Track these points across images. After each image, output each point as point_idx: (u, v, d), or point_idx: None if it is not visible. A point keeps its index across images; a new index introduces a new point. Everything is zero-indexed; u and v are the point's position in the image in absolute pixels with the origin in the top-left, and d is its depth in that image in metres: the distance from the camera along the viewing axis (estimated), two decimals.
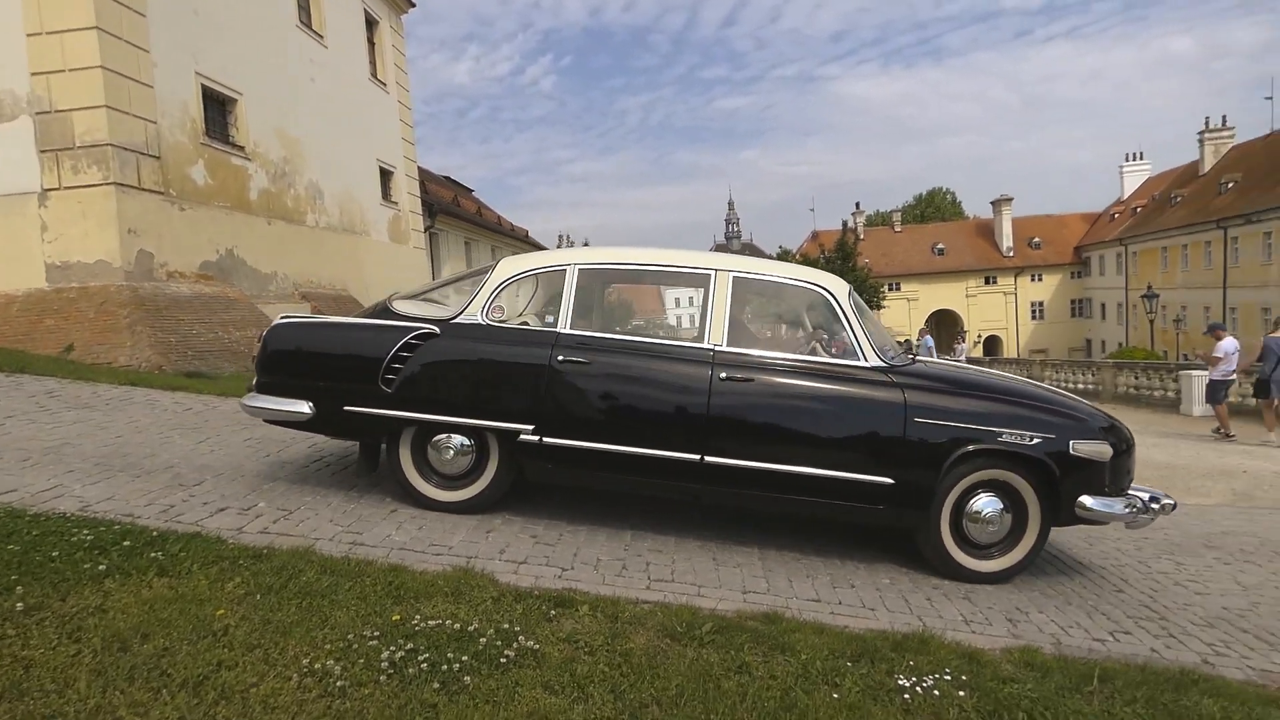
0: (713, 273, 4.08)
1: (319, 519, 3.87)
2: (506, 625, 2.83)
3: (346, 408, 3.84)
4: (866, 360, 3.93)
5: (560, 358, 3.79)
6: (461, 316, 3.94)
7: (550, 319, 3.96)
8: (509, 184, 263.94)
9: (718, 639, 2.98)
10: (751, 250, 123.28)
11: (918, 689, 2.76)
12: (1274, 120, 77.01)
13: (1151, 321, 25.96)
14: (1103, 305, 51.74)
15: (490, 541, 3.82)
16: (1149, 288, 26.79)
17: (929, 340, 27.37)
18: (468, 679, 2.51)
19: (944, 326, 56.55)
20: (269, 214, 11.76)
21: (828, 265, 34.17)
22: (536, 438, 3.79)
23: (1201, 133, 45.68)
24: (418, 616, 2.81)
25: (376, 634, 2.70)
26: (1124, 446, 3.99)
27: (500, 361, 3.80)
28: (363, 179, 15.00)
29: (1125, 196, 55.28)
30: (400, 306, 4.09)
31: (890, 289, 53.84)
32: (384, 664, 2.52)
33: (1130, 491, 4.02)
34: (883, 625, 3.44)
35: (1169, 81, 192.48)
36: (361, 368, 3.83)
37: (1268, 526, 6.38)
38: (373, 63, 15.87)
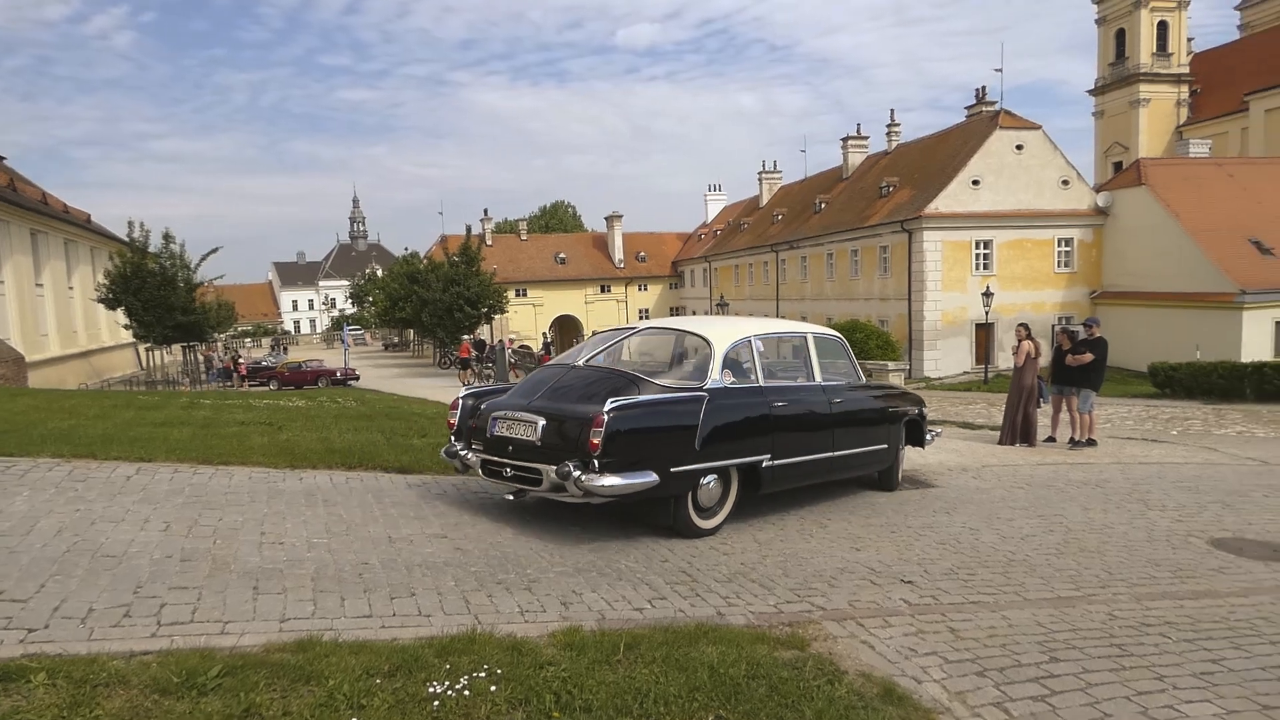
0: (807, 334, 6.61)
1: None
2: None
3: (673, 469, 5.21)
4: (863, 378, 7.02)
5: (774, 403, 5.82)
6: (710, 383, 5.59)
7: (752, 376, 5.92)
8: (69, 156, 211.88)
9: (226, 683, 2.61)
10: (379, 251, 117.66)
11: (450, 692, 2.72)
12: (807, 168, 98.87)
13: None
14: (693, 312, 60.28)
15: None
16: (722, 298, 31.94)
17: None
18: None
19: (566, 331, 60.62)
20: None
21: (453, 269, 33.84)
22: (772, 462, 5.78)
23: (760, 173, 56.46)
24: None
25: None
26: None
27: (748, 414, 5.63)
28: None
29: (709, 220, 65.53)
30: (658, 379, 5.68)
31: (518, 294, 55.73)
32: None
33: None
34: (434, 631, 3.37)
35: (740, 128, 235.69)
36: (684, 435, 5.26)
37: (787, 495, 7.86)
38: None
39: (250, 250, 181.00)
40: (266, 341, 75.39)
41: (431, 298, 33.96)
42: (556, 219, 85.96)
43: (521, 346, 35.05)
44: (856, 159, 43.86)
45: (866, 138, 44.39)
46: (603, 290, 60.51)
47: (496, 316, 39.93)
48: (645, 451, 5.10)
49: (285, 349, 61.07)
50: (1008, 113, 33.40)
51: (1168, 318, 28.64)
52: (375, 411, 14.24)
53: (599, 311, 59.92)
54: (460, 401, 6.24)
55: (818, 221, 42.41)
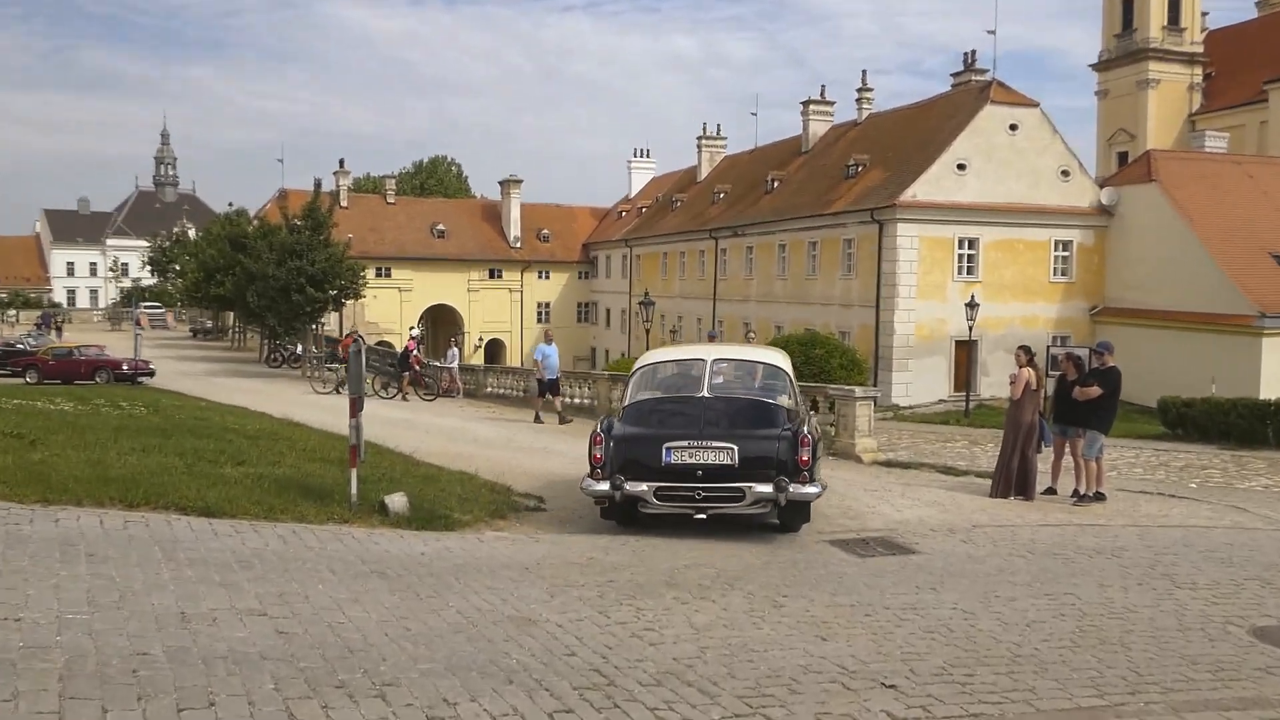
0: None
1: None
2: None
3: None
4: None
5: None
6: (795, 403, 9.54)
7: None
8: None
9: None
10: (193, 205, 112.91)
11: None
12: (758, 136, 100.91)
13: (648, 331, 31.04)
14: (608, 310, 60.57)
15: None
16: (646, 295, 31.93)
17: (454, 351, 29.26)
18: None
19: (441, 325, 59.63)
20: None
21: (293, 236, 32.69)
22: None
23: (700, 139, 57.15)
24: None
25: None
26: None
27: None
28: None
29: (632, 194, 65.83)
30: (780, 401, 9.23)
31: (379, 274, 54.44)
32: None
33: None
34: None
35: (676, 79, 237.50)
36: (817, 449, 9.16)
37: (725, 557, 7.78)
38: None
39: (11, 190, 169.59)
40: (30, 316, 70.98)
41: (262, 272, 32.71)
42: (435, 179, 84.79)
43: (380, 343, 34.18)
44: (819, 129, 44.99)
45: (832, 103, 45.62)
46: (492, 275, 59.97)
47: (349, 303, 38.82)
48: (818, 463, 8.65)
49: (59, 327, 57.68)
50: (1001, 85, 34.87)
51: (1179, 342, 30.39)
52: (174, 424, 13.51)
53: (486, 302, 59.31)
54: (604, 437, 8.59)
55: (769, 204, 43.17)
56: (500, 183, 62.60)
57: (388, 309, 55.35)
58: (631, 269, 56.71)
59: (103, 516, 6.86)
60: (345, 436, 13.07)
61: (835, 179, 38.95)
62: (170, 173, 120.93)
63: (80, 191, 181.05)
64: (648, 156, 67.59)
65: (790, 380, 9.55)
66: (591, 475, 8.60)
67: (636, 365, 9.97)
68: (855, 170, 37.57)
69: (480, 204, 67.32)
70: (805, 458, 8.28)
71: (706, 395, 8.89)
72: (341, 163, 59.26)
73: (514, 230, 60.74)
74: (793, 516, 8.73)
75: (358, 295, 36.40)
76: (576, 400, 21.63)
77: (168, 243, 78.58)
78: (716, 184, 51.04)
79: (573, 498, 10.56)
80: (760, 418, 8.76)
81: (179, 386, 26.09)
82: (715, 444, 8.27)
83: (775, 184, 43.94)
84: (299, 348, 37.27)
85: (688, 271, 49.82)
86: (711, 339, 18.76)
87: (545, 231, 62.37)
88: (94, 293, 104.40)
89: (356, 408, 8.40)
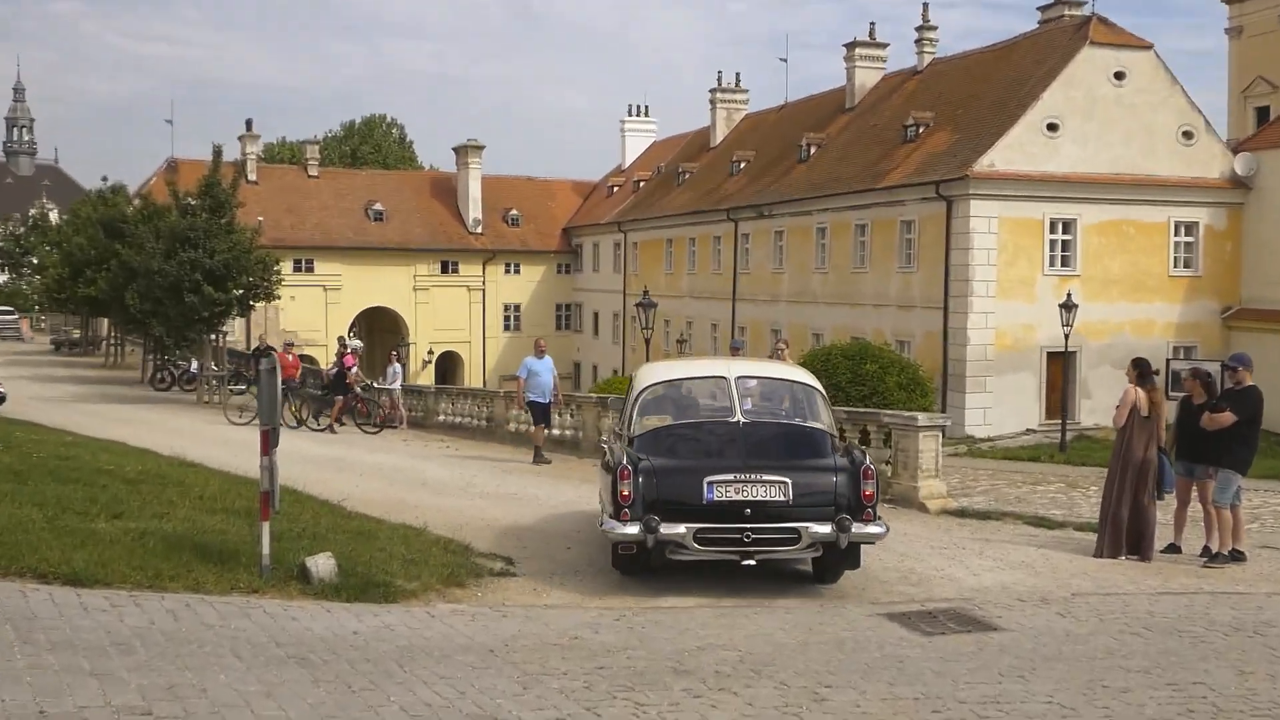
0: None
1: None
2: None
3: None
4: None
5: None
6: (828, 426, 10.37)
7: None
8: None
9: None
10: (56, 179, 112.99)
11: None
12: (789, 88, 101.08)
13: (648, 341, 31.08)
14: (595, 314, 60.68)
15: None
16: (644, 293, 31.98)
17: (396, 367, 29.36)
18: None
19: (379, 334, 59.74)
20: None
21: (186, 219, 32.74)
22: None
23: (714, 92, 57.49)
24: None
25: None
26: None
27: None
28: None
29: (627, 164, 66.16)
30: (819, 425, 10.13)
31: (298, 268, 54.62)
32: None
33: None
34: None
35: (682, 14, 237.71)
36: None
37: (750, 634, 7.78)
38: None
39: None
40: None
41: (145, 265, 32.73)
42: (371, 146, 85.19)
43: (300, 357, 34.11)
44: (868, 79, 45.29)
45: (884, 46, 45.89)
46: (445, 269, 60.20)
47: (259, 306, 38.85)
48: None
49: None
50: (1103, 21, 35.09)
51: None
52: (30, 464, 13.50)
53: (437, 305, 59.48)
54: (632, 470, 9.00)
55: (803, 176, 43.37)
56: (455, 150, 62.89)
57: (310, 313, 55.47)
58: (626, 261, 56.86)
59: None
60: (255, 480, 13.12)
61: (890, 143, 39.11)
62: (25, 138, 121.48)
63: None
64: (646, 116, 67.96)
65: (827, 403, 10.47)
66: (616, 516, 8.99)
67: (641, 383, 10.50)
68: (915, 132, 37.75)
69: (429, 177, 67.55)
70: (869, 492, 9.12)
71: (742, 420, 9.66)
72: (249, 124, 59.61)
73: (473, 211, 61.00)
74: (837, 564, 9.40)
75: (270, 296, 36.37)
76: (555, 431, 21.61)
77: (21, 229, 78.83)
78: (736, 151, 51.29)
79: (551, 557, 10.55)
80: (809, 446, 9.65)
81: (37, 415, 25.98)
82: (766, 477, 8.97)
83: (812, 150, 44.13)
84: (193, 364, 37.32)
85: (699, 264, 49.94)
86: (735, 351, 18.53)
87: (514, 212, 62.62)
88: None
89: (269, 443, 8.41)
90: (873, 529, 9.08)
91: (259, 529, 8.38)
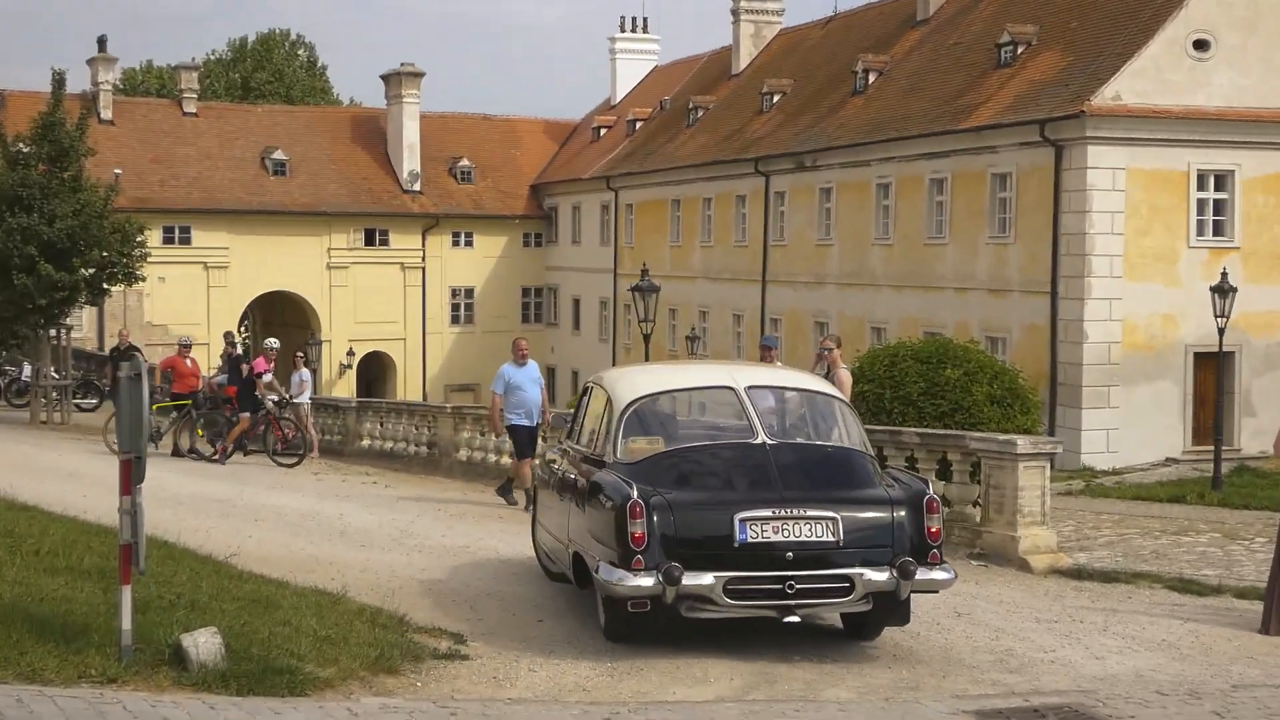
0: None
1: None
2: None
3: None
4: None
5: None
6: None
7: None
8: None
9: None
10: None
11: None
12: None
13: (647, 337, 30.99)
14: (575, 302, 60.71)
15: None
16: (644, 273, 31.91)
17: (304, 374, 29.06)
18: None
19: (283, 328, 59.62)
20: None
21: (16, 172, 32.73)
22: None
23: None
24: None
25: None
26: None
27: None
28: None
29: (618, 99, 66.23)
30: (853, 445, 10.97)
31: (169, 239, 54.64)
32: None
33: None
34: None
35: None
36: None
37: None
38: None
39: None
40: None
41: None
42: (270, 72, 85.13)
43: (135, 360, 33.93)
44: None
45: None
46: (371, 241, 60.31)
47: (117, 290, 38.78)
48: None
49: None
50: None
51: None
52: None
53: (360, 288, 59.56)
54: (644, 505, 9.28)
55: (859, 113, 43.44)
56: (385, 78, 62.97)
57: (186, 301, 55.57)
58: (617, 229, 56.92)
59: None
60: (111, 529, 13.05)
61: (978, 68, 39.24)
62: None
63: None
64: (644, 32, 68.01)
65: (857, 418, 11.29)
66: (625, 564, 9.28)
67: (624, 397, 10.87)
68: (1013, 53, 37.82)
69: (349, 115, 67.72)
70: (935, 528, 9.76)
71: (768, 442, 10.12)
72: (101, 43, 59.56)
73: (409, 162, 61.14)
74: (882, 618, 10.05)
75: (132, 277, 36.30)
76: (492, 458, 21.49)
77: None
78: (767, 80, 51.36)
79: (516, 633, 10.54)
80: (852, 473, 10.27)
81: None
82: (810, 513, 9.45)
83: (870, 78, 44.18)
84: (25, 370, 37.24)
85: (717, 233, 49.96)
86: (767, 352, 18.23)
87: (465, 164, 62.72)
88: None
89: (131, 478, 8.36)
90: (939, 574, 9.66)
91: (118, 595, 8.32)
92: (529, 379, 19.47)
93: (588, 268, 58.98)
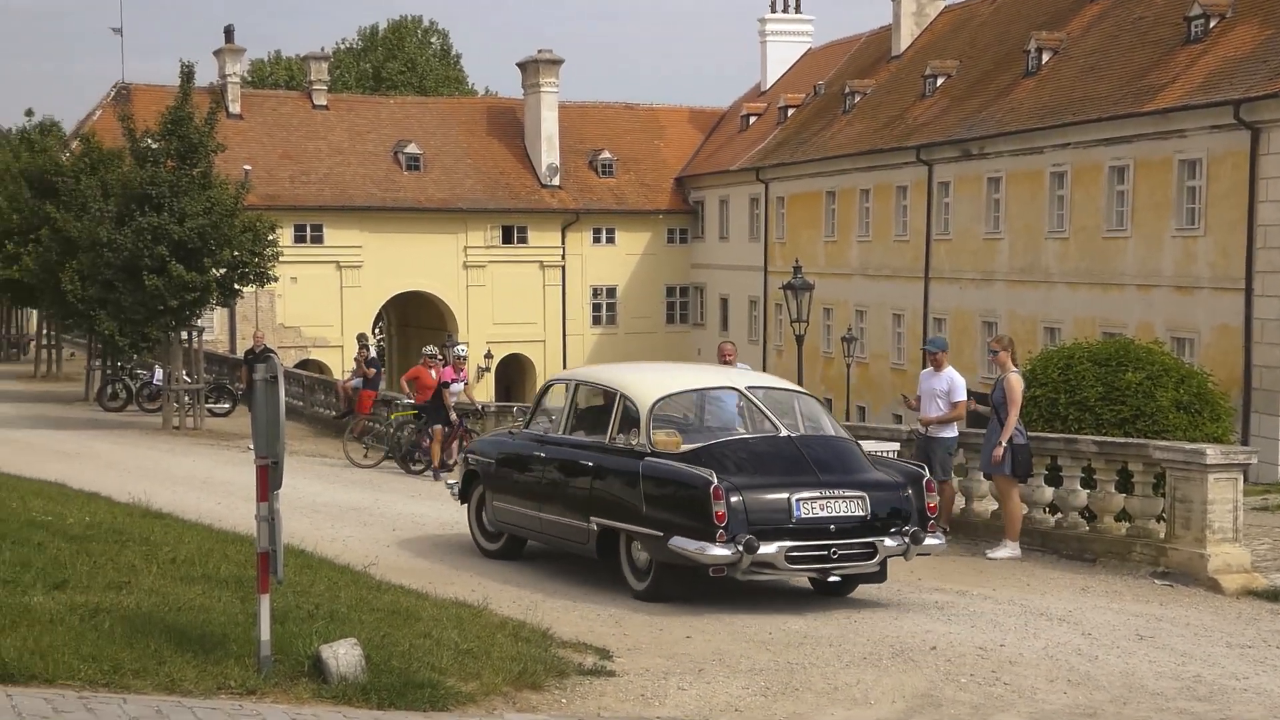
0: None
1: None
2: None
3: None
4: None
5: None
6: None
7: None
8: None
9: None
10: None
11: None
12: None
13: (800, 338, 30.99)
14: (724, 301, 60.72)
15: None
16: (796, 270, 31.89)
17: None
18: None
19: (416, 330, 60.53)
20: None
21: (145, 170, 33.42)
22: None
23: None
24: None
25: None
26: None
27: None
28: None
29: (769, 85, 66.09)
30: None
31: (301, 238, 55.71)
32: None
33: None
34: None
35: None
36: None
37: None
38: None
39: None
40: None
41: (91, 235, 33.50)
42: (402, 61, 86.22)
43: (301, 364, 34.59)
44: None
45: None
46: (509, 239, 60.84)
47: (249, 290, 39.52)
48: None
49: None
50: None
51: None
52: None
53: (498, 289, 60.14)
54: (724, 489, 11.97)
55: (1031, 96, 42.92)
56: (521, 66, 63.47)
57: (318, 302, 56.59)
58: (768, 224, 56.89)
59: None
60: (247, 536, 13.38)
61: (1164, 44, 38.70)
62: None
63: None
64: (797, 12, 67.78)
65: (830, 412, 15.01)
66: (708, 538, 11.88)
67: (650, 397, 13.43)
68: (1204, 27, 37.16)
69: (485, 106, 68.34)
70: (934, 504, 13.09)
71: (793, 434, 13.18)
72: (229, 33, 60.74)
73: (548, 155, 61.59)
74: (873, 578, 13.20)
75: (264, 277, 36.76)
76: None
77: None
78: (930, 61, 51.01)
79: (664, 648, 10.62)
80: (856, 460, 13.33)
81: None
82: (846, 493, 12.51)
83: (1044, 57, 43.66)
84: (157, 374, 38.14)
85: (876, 227, 49.74)
86: (932, 359, 17.92)
87: (606, 156, 63.06)
88: None
89: (269, 483, 8.56)
90: (934, 541, 12.93)
91: (256, 605, 8.52)
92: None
93: (736, 265, 58.98)
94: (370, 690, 8.20)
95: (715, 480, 11.96)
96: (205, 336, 40.59)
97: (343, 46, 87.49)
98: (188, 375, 35.63)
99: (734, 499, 11.94)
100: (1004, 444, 15.62)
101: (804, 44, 66.41)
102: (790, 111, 59.37)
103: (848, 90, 55.11)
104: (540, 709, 8.71)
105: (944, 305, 44.73)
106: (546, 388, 16.34)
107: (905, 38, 55.66)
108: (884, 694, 9.29)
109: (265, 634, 8.39)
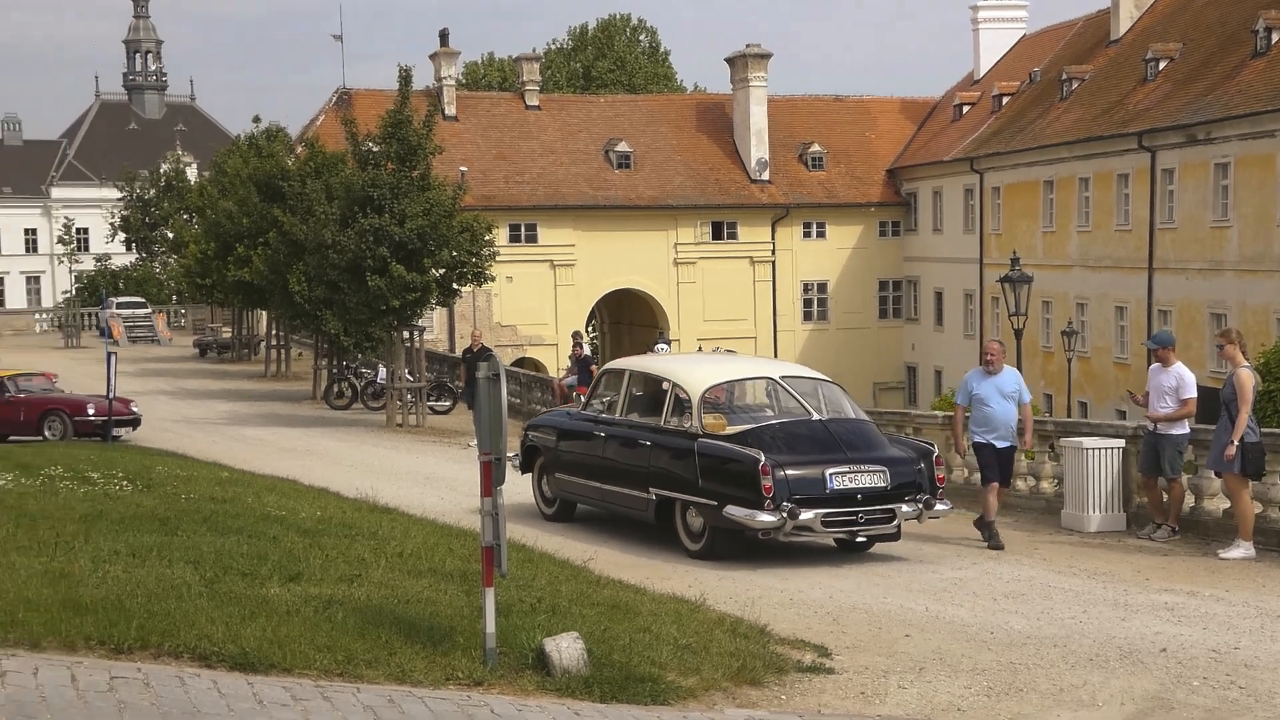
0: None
1: None
2: None
3: None
4: None
5: None
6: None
7: None
8: None
9: None
10: (194, 119, 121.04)
11: None
12: None
13: (1018, 332, 30.44)
14: (938, 295, 59.99)
15: None
16: (1015, 264, 31.36)
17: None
18: None
19: (627, 328, 60.97)
20: None
21: (367, 173, 34.13)
22: None
23: None
24: None
25: None
26: None
27: None
28: None
29: (982, 73, 65.09)
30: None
31: (515, 237, 56.51)
32: None
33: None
34: None
35: None
36: None
37: None
38: None
39: None
40: None
41: (316, 237, 34.27)
42: (612, 60, 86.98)
43: (521, 362, 34.97)
44: None
45: None
46: (718, 235, 60.93)
47: (467, 290, 40.13)
48: None
49: None
50: None
51: None
52: (180, 510, 14.52)
53: (711, 284, 60.15)
54: (771, 467, 14.05)
55: (1259, 77, 41.56)
56: (730, 61, 63.55)
57: (533, 299, 57.33)
58: (983, 215, 56.07)
59: (74, 668, 7.38)
60: (470, 531, 13.64)
61: None
62: (151, 67, 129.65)
63: (3, 107, 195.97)
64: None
65: (851, 397, 16.96)
66: (758, 506, 13.91)
67: (701, 386, 15.64)
68: None
69: (694, 103, 68.48)
70: (941, 475, 15.32)
71: (822, 418, 15.39)
72: (444, 37, 61.69)
73: (757, 149, 61.56)
74: (888, 538, 15.32)
75: (481, 277, 37.20)
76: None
77: (151, 191, 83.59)
78: (1151, 44, 49.73)
79: (883, 647, 10.57)
80: (877, 438, 15.58)
81: (182, 444, 27.73)
82: (871, 467, 14.61)
83: (1274, 37, 42.25)
84: (380, 372, 39.07)
85: (1096, 217, 48.71)
86: (1157, 354, 16.83)
87: (816, 149, 62.75)
88: (33, 280, 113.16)
89: (492, 478, 8.72)
90: (942, 507, 15.09)
91: (481, 598, 8.75)
92: (999, 390, 16.79)
93: (951, 258, 58.20)
94: (593, 683, 8.33)
95: (763, 458, 13.98)
96: (425, 335, 41.19)
97: (553, 46, 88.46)
98: (410, 374, 36.16)
99: (779, 473, 14.00)
100: (1235, 442, 14.98)
101: (1018, 30, 65.22)
102: (1005, 100, 58.42)
103: (1064, 76, 54.01)
104: (760, 705, 8.74)
105: (1169, 297, 43.58)
106: (601, 376, 18.48)
107: (1124, 21, 54.36)
108: (1112, 696, 9.14)
109: (490, 626, 8.60)
